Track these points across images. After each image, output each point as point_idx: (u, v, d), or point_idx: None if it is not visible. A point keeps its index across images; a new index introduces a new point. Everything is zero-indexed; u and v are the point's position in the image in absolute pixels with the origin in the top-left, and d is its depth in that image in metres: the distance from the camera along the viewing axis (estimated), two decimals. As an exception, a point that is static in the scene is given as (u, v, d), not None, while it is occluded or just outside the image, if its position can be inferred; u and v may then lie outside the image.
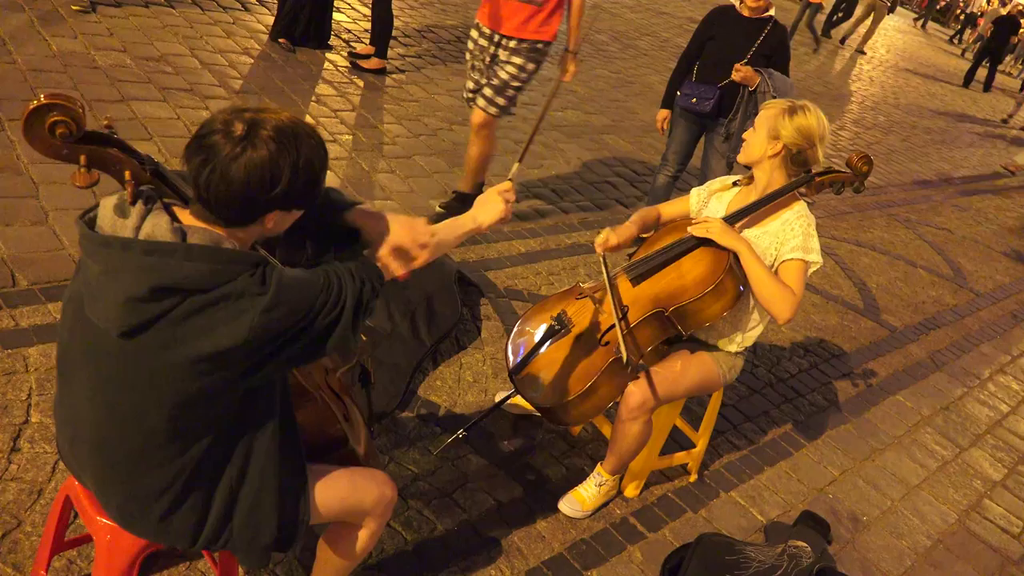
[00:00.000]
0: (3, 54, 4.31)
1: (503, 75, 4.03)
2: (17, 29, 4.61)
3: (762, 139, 2.52)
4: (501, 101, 4.06)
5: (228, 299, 1.35)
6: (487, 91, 4.07)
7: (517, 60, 3.99)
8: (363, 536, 1.84)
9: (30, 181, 3.41)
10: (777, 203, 2.56)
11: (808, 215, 2.55)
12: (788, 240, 2.51)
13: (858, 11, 15.73)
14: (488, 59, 4.07)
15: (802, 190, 2.59)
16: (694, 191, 2.82)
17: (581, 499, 2.75)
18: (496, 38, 4.01)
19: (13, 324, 2.69)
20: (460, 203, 4.23)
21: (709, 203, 2.75)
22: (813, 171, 2.62)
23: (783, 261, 2.51)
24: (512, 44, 3.97)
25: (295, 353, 1.45)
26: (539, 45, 4.00)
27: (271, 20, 6.06)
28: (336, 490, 1.73)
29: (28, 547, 2.04)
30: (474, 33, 4.11)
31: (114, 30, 5.06)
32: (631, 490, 2.90)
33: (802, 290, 2.48)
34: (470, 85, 4.22)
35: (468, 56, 4.18)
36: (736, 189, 2.70)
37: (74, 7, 5.07)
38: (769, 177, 2.55)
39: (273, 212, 1.42)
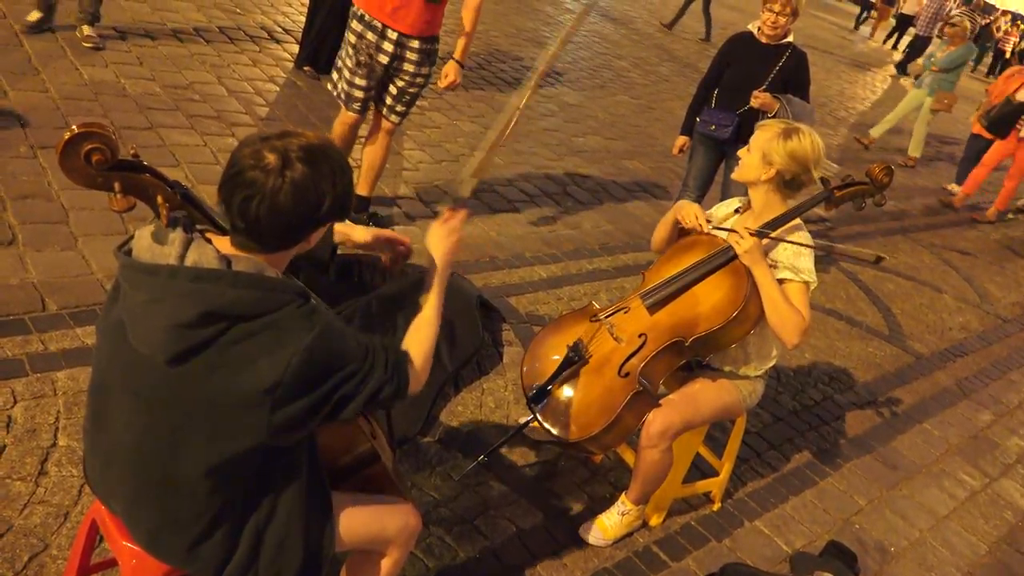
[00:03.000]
0: (36, 83, 4.41)
1: (413, 90, 3.82)
2: (49, 57, 4.73)
3: (756, 162, 2.50)
4: (402, 109, 3.90)
5: (273, 328, 1.38)
6: (392, 102, 3.84)
7: (424, 69, 3.77)
8: (386, 565, 1.83)
9: (60, 207, 3.47)
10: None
11: (801, 234, 2.53)
12: (777, 259, 2.49)
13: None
14: (385, 60, 3.69)
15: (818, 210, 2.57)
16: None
17: (603, 527, 2.72)
18: (392, 35, 3.63)
19: (42, 348, 2.73)
20: (365, 209, 4.19)
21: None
22: (832, 185, 2.62)
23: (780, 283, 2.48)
24: (415, 44, 3.68)
25: (306, 410, 1.44)
26: (436, 43, 3.80)
27: (296, 49, 6.17)
28: (360, 518, 1.73)
29: (54, 570, 2.06)
30: (357, 25, 3.65)
31: (144, 59, 5.17)
32: (654, 519, 2.87)
33: (809, 314, 2.45)
34: (359, 85, 3.76)
35: (351, 51, 3.70)
36: (737, 216, 2.70)
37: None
38: (764, 199, 2.54)
39: (317, 229, 1.48)
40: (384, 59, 3.69)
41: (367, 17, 3.63)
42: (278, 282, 1.42)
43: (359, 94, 3.79)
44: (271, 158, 1.37)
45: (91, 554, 1.87)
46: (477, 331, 3.52)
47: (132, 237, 1.46)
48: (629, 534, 2.78)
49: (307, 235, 1.48)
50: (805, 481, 3.42)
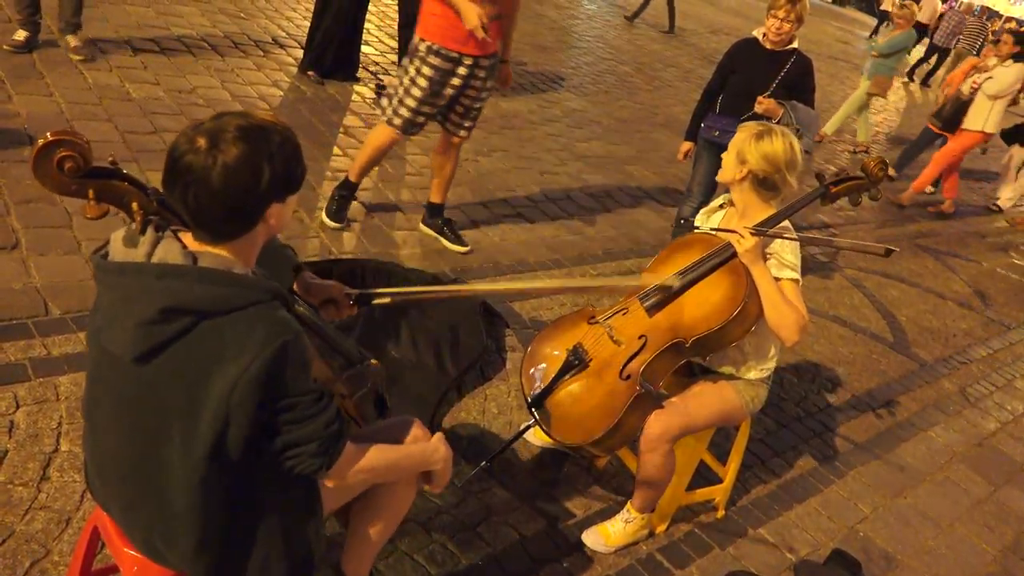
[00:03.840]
0: (40, 87, 4.42)
1: (479, 105, 3.97)
2: (54, 62, 4.74)
3: (732, 161, 2.54)
4: (470, 123, 4.05)
5: (242, 325, 1.36)
6: (459, 119, 3.98)
7: (489, 83, 3.92)
8: (398, 493, 1.87)
9: (64, 212, 3.48)
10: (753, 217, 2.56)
11: (790, 233, 2.53)
12: (771, 254, 2.49)
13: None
14: (458, 83, 3.79)
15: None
16: (696, 219, 2.84)
17: (606, 533, 2.71)
18: (468, 61, 3.73)
19: (45, 352, 2.73)
20: (440, 215, 4.34)
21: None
22: (827, 181, 2.64)
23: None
24: (484, 63, 3.81)
25: (255, 422, 1.41)
26: (498, 55, 3.92)
27: (300, 54, 6.18)
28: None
29: (55, 577, 2.06)
30: (434, 60, 3.70)
31: (148, 64, 5.18)
32: (659, 526, 2.85)
33: (805, 310, 2.45)
34: (426, 112, 3.86)
35: (425, 83, 3.74)
36: (723, 211, 2.72)
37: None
38: (742, 198, 2.57)
39: (270, 206, 1.44)
40: (457, 82, 3.80)
41: (443, 50, 3.69)
42: (248, 279, 1.40)
43: (421, 120, 3.91)
44: (201, 141, 1.36)
45: (92, 560, 1.86)
46: (480, 336, 3.52)
47: (108, 241, 1.46)
48: (634, 543, 2.76)
49: (260, 215, 1.43)
50: (809, 488, 3.40)
